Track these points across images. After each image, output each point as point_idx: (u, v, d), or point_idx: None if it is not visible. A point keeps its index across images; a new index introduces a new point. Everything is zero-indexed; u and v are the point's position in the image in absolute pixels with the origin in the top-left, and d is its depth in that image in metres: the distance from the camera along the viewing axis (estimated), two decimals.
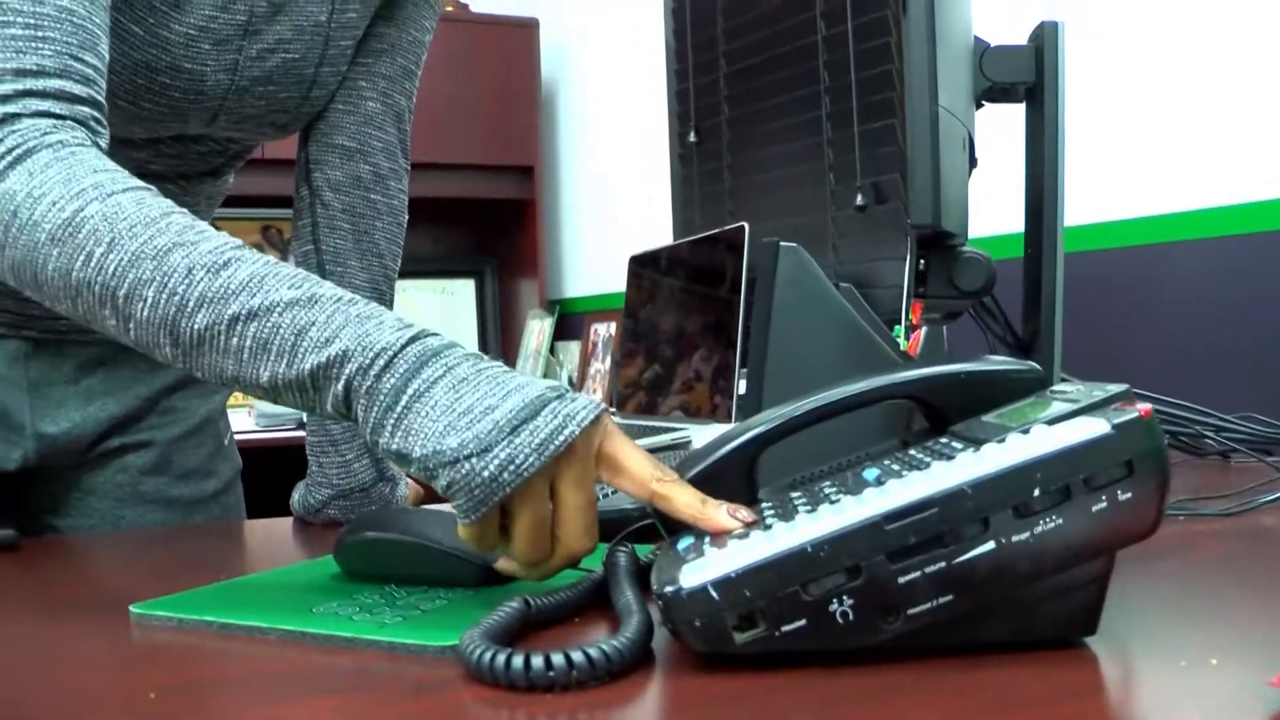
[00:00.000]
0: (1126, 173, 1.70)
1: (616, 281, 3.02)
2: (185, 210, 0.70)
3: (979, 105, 1.09)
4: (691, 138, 2.62)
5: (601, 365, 2.58)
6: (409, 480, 1.13)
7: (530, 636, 0.56)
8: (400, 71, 1.09)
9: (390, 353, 0.62)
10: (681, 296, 1.91)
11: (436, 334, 0.64)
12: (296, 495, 1.10)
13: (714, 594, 0.48)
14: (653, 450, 1.49)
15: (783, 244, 0.80)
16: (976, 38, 1.02)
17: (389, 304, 1.11)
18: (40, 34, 0.72)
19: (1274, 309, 1.50)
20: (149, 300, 0.65)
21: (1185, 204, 1.62)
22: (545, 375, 3.00)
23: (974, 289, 0.84)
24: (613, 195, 3.09)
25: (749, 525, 0.54)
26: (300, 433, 2.56)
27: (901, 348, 1.73)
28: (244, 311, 0.64)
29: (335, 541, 0.72)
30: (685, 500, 0.58)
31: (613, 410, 2.18)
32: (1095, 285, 1.72)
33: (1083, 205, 1.72)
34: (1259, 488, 0.96)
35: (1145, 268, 1.67)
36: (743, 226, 1.68)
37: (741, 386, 1.80)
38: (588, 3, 3.20)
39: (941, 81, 0.82)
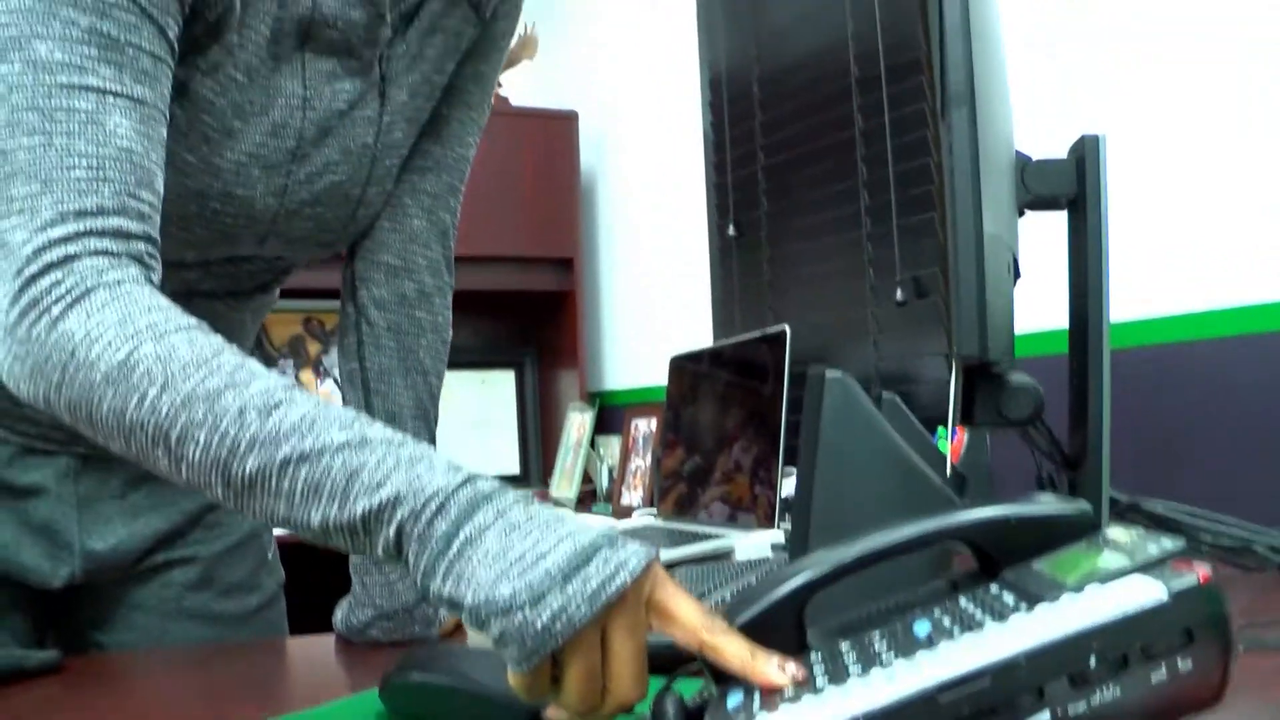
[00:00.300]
0: (1171, 267, 1.69)
1: (657, 374, 3.02)
2: (236, 347, 0.72)
3: (1021, 213, 1.09)
4: (730, 231, 2.65)
5: (642, 461, 2.57)
6: None
7: None
8: (445, 188, 1.11)
9: (441, 497, 0.62)
10: (723, 396, 1.91)
11: (487, 477, 0.65)
12: (339, 614, 1.10)
13: None
14: (694, 560, 1.48)
15: (829, 375, 0.79)
16: (1018, 152, 1.02)
17: (434, 421, 1.12)
18: (102, 175, 0.75)
19: None
20: (201, 442, 0.66)
21: (1232, 299, 1.61)
22: (585, 469, 3.00)
23: (1021, 418, 0.83)
24: (653, 286, 3.10)
25: (799, 684, 0.54)
26: None
27: (944, 450, 1.72)
28: (295, 454, 0.65)
29: (381, 680, 0.72)
30: (735, 652, 0.57)
31: (653, 510, 2.17)
32: (1142, 385, 1.70)
33: (1128, 300, 1.71)
34: None
35: (1194, 365, 1.66)
36: (784, 330, 1.68)
37: (785, 486, 1.80)
38: (626, 94, 3.25)
39: (985, 200, 0.82)
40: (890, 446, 0.81)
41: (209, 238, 0.96)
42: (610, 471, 2.91)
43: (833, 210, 2.35)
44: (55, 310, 0.71)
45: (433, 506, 0.62)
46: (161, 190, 0.80)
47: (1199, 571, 0.49)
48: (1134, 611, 0.47)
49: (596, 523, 2.25)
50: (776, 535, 1.60)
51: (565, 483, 3.01)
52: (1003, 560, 0.61)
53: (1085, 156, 0.99)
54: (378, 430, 0.66)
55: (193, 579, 1.12)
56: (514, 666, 0.60)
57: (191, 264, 1.00)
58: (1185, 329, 1.68)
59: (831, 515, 0.77)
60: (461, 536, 0.61)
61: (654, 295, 3.09)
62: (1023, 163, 0.99)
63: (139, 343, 0.69)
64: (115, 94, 0.76)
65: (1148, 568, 0.51)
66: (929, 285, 2.08)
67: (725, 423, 1.91)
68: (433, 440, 1.11)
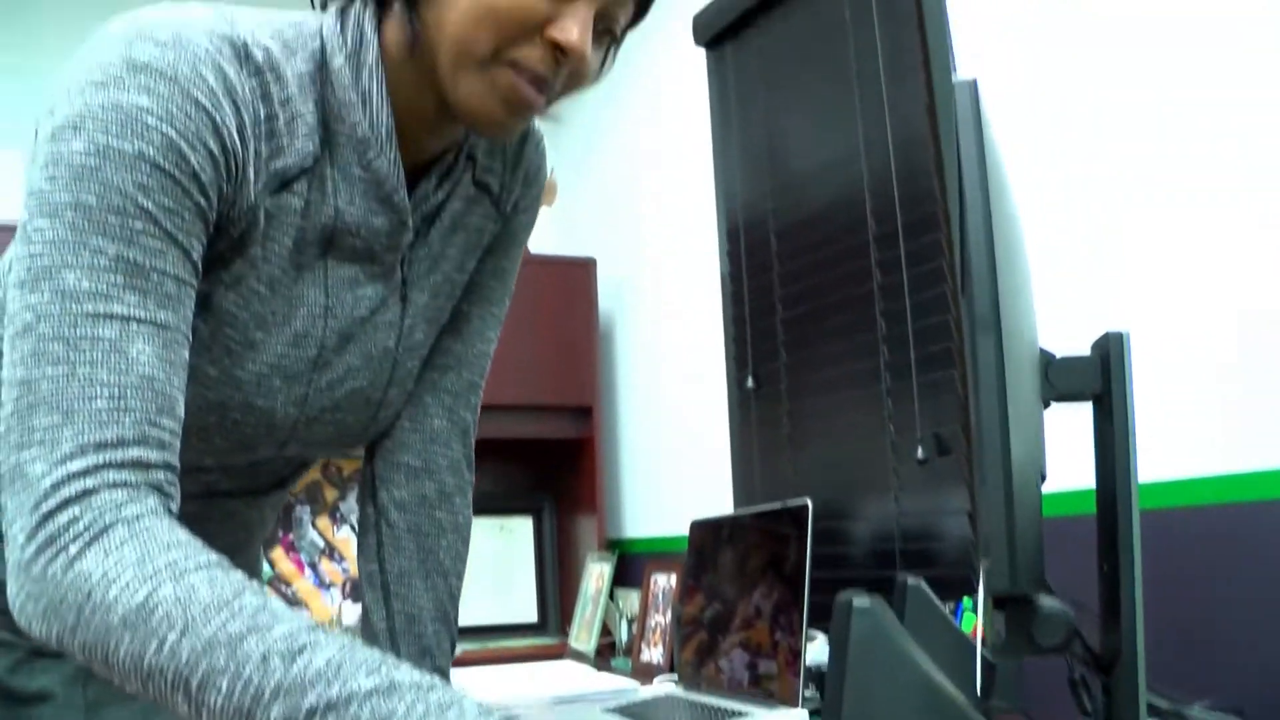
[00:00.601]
0: (1205, 427, 1.65)
1: (676, 524, 2.98)
2: (258, 586, 0.71)
3: (1046, 405, 1.06)
4: (749, 383, 2.62)
5: (661, 618, 2.51)
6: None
7: None
8: (466, 386, 1.10)
9: None
10: (744, 564, 1.86)
11: (517, 717, 0.63)
12: None
13: None
14: None
15: (856, 604, 0.77)
16: (1041, 349, 1.00)
17: (454, 623, 1.11)
18: (123, 405, 0.75)
19: None
20: (223, 690, 0.65)
21: (1258, 463, 1.56)
22: (604, 621, 2.93)
23: (1053, 645, 0.79)
24: (672, 434, 3.07)
25: None
26: None
27: (970, 622, 1.66)
28: (322, 703, 0.64)
29: None
30: None
31: (674, 676, 2.11)
32: (1173, 547, 1.64)
33: (1155, 460, 1.66)
34: None
35: (1219, 530, 1.60)
36: (806, 504, 1.64)
37: (809, 652, 1.74)
38: (645, 241, 3.26)
39: (1014, 429, 0.79)
40: (919, 676, 0.77)
41: (228, 447, 0.95)
42: (629, 624, 2.84)
43: (852, 364, 2.33)
44: (72, 549, 0.70)
45: None
46: (182, 414, 0.80)
47: None
48: None
49: (617, 683, 2.19)
50: (801, 714, 1.55)
51: (584, 634, 2.95)
52: None
53: (1110, 354, 0.97)
54: (405, 673, 0.65)
55: None
56: None
57: (210, 468, 1.00)
58: (1210, 492, 1.63)
59: None
60: None
61: (673, 443, 3.06)
62: (1046, 359, 0.98)
63: (158, 584, 0.68)
64: (139, 320, 0.77)
65: None
66: (951, 442, 2.04)
67: (745, 590, 1.86)
68: (454, 643, 1.10)
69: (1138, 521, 1.00)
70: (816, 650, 1.83)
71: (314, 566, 3.32)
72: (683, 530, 2.20)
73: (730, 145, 2.85)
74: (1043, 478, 0.95)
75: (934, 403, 2.10)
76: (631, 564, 3.07)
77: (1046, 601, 0.80)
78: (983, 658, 0.97)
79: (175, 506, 0.76)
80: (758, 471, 2.63)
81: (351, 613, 3.23)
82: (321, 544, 3.35)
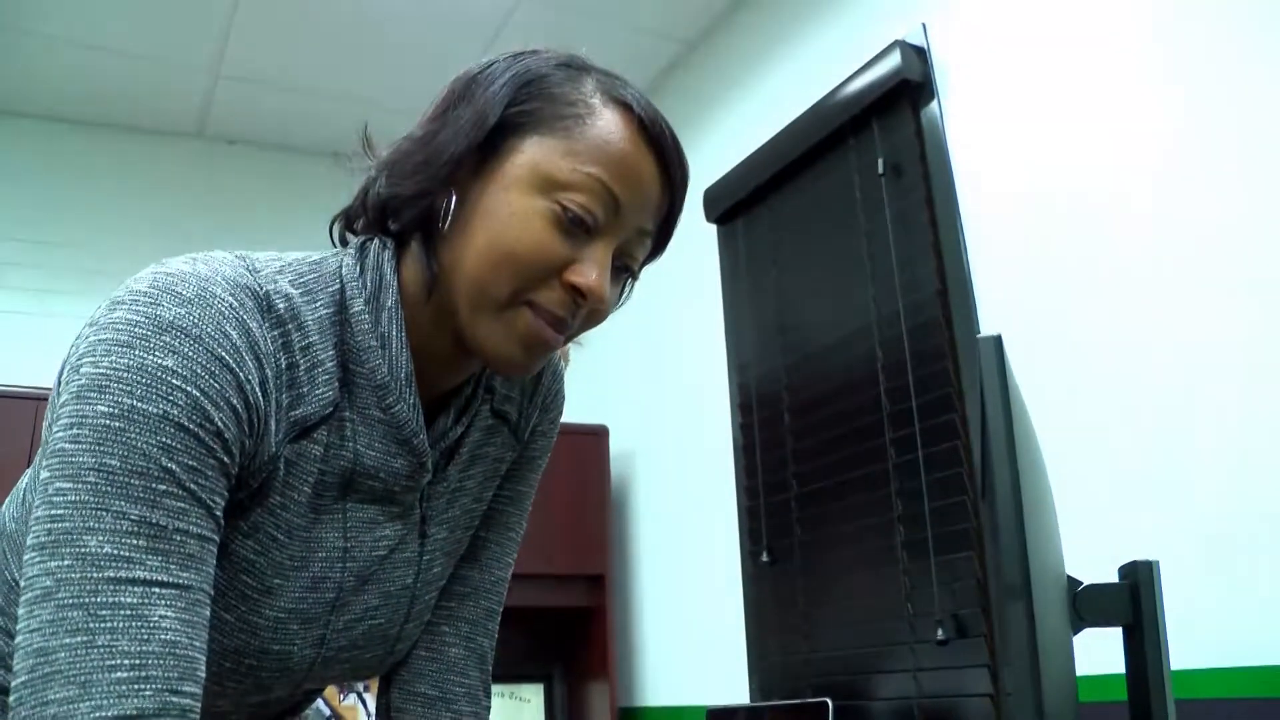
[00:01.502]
0: (1242, 618, 1.64)
1: (691, 693, 2.94)
2: None
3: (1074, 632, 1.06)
4: (764, 557, 2.61)
5: None
6: None
7: None
8: (483, 614, 1.09)
9: None
10: None
11: None
12: None
13: None
14: None
15: None
16: (1068, 576, 1.00)
17: None
18: (144, 674, 0.73)
19: None
20: None
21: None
22: None
23: None
24: (685, 604, 3.05)
25: None
26: None
27: None
28: None
29: None
30: None
31: None
32: None
33: (1186, 646, 1.65)
34: None
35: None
36: (825, 702, 1.63)
37: None
38: (657, 411, 3.29)
39: (1044, 658, 0.79)
40: None
41: (242, 689, 0.93)
42: None
43: (868, 543, 2.33)
44: None
45: None
46: (204, 675, 0.78)
47: None
48: None
49: None
50: None
51: None
52: None
53: (1139, 582, 0.97)
54: None
55: None
56: None
57: (224, 710, 0.98)
58: (1218, 685, 1.62)
59: None
60: None
61: (686, 612, 3.04)
62: (1074, 588, 0.97)
63: None
64: (161, 584, 0.75)
65: None
66: (970, 624, 2.03)
67: None
68: None
69: None
70: None
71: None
72: (695, 700, 2.16)
73: (742, 318, 2.90)
74: (1076, 709, 0.95)
75: (951, 583, 2.10)
76: None
77: None
78: None
79: None
80: (773, 649, 2.60)
81: None
82: (327, 713, 3.30)
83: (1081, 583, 1.01)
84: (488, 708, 1.09)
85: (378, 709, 1.09)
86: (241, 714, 1.01)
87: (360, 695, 3.45)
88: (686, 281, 3.13)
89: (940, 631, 2.07)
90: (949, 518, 2.10)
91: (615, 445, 3.35)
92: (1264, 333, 1.61)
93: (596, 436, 3.32)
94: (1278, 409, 1.59)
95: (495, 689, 3.36)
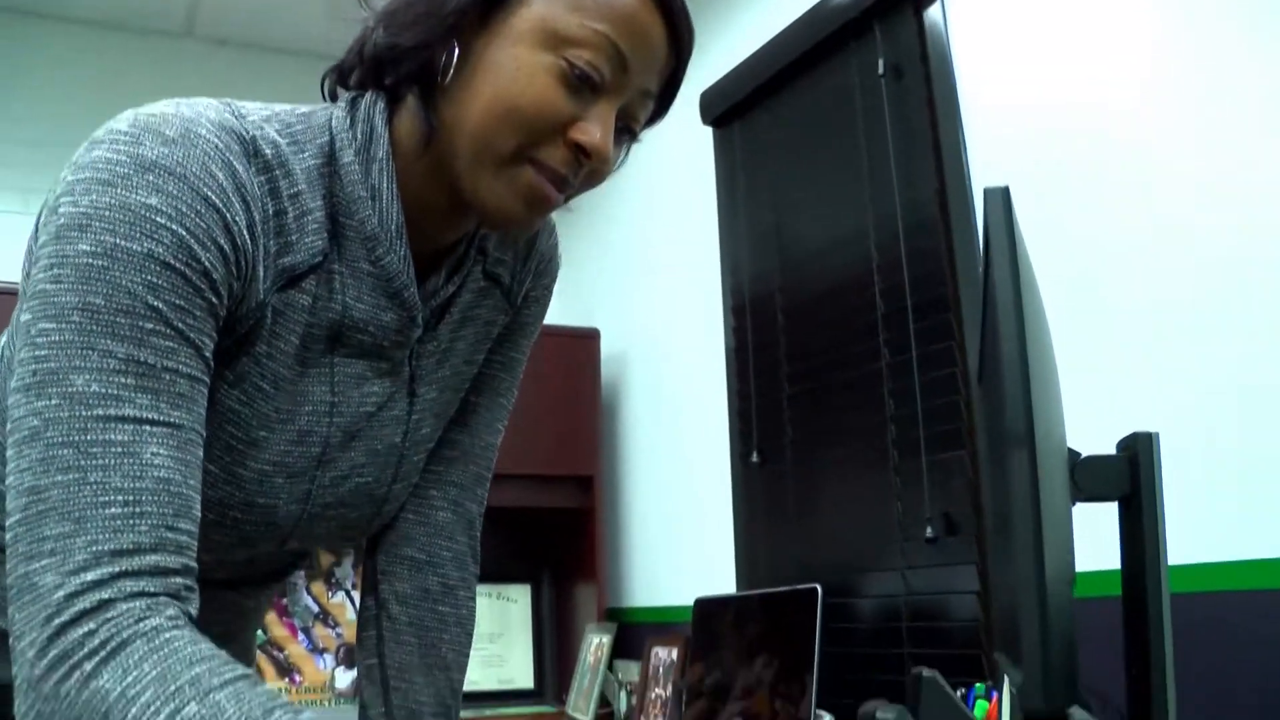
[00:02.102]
0: (1231, 510, 1.66)
1: (677, 595, 2.97)
2: (286, 702, 0.68)
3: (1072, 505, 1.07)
4: (754, 458, 2.63)
5: (662, 691, 2.50)
6: None
7: None
8: (472, 478, 1.08)
9: None
10: (750, 645, 1.86)
11: None
12: None
13: None
14: None
15: (880, 715, 0.76)
16: (1069, 449, 1.00)
17: (455, 716, 1.07)
18: (138, 510, 0.72)
19: None
20: None
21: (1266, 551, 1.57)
22: (603, 693, 2.91)
23: None
24: (674, 506, 3.07)
25: None
26: None
27: (981, 713, 1.65)
28: None
29: None
30: None
31: None
32: (1197, 632, 1.65)
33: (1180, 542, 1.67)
34: None
35: (1255, 613, 1.61)
36: (815, 588, 1.64)
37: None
38: (649, 314, 3.28)
39: (1047, 541, 0.80)
40: None
41: (228, 543, 0.92)
42: (628, 695, 2.82)
43: (859, 443, 2.34)
44: (87, 666, 0.67)
45: None
46: (199, 514, 0.77)
47: None
48: None
49: None
50: None
51: (582, 703, 2.93)
52: None
53: (1139, 454, 0.97)
54: None
55: None
56: None
57: (207, 562, 0.97)
58: (1217, 579, 1.64)
59: None
60: None
61: (676, 516, 3.06)
62: (1073, 460, 0.97)
63: (181, 702, 0.65)
64: (152, 422, 0.74)
65: None
66: (960, 522, 2.05)
67: (750, 673, 1.86)
68: None
69: (1169, 628, 1.00)
70: None
71: (307, 632, 3.29)
72: (684, 601, 2.18)
73: (737, 221, 2.88)
74: (1073, 583, 0.96)
75: (942, 482, 2.11)
76: (631, 634, 3.06)
77: (1079, 715, 0.80)
78: None
79: (195, 611, 0.74)
80: (762, 548, 2.62)
81: (344, 678, 3.20)
82: (315, 609, 3.32)
83: (1081, 454, 1.01)
84: (475, 574, 1.09)
85: (363, 574, 1.08)
86: (226, 571, 1.00)
87: (348, 593, 3.48)
88: (681, 185, 3.11)
89: (929, 529, 2.09)
90: (941, 417, 2.11)
91: (606, 348, 3.35)
92: (1263, 217, 1.61)
93: (587, 339, 3.31)
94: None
95: (481, 590, 3.38)
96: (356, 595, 3.26)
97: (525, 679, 3.44)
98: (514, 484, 3.06)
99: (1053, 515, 0.90)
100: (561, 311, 3.72)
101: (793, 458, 2.54)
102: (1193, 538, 1.63)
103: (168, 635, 0.69)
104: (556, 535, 3.42)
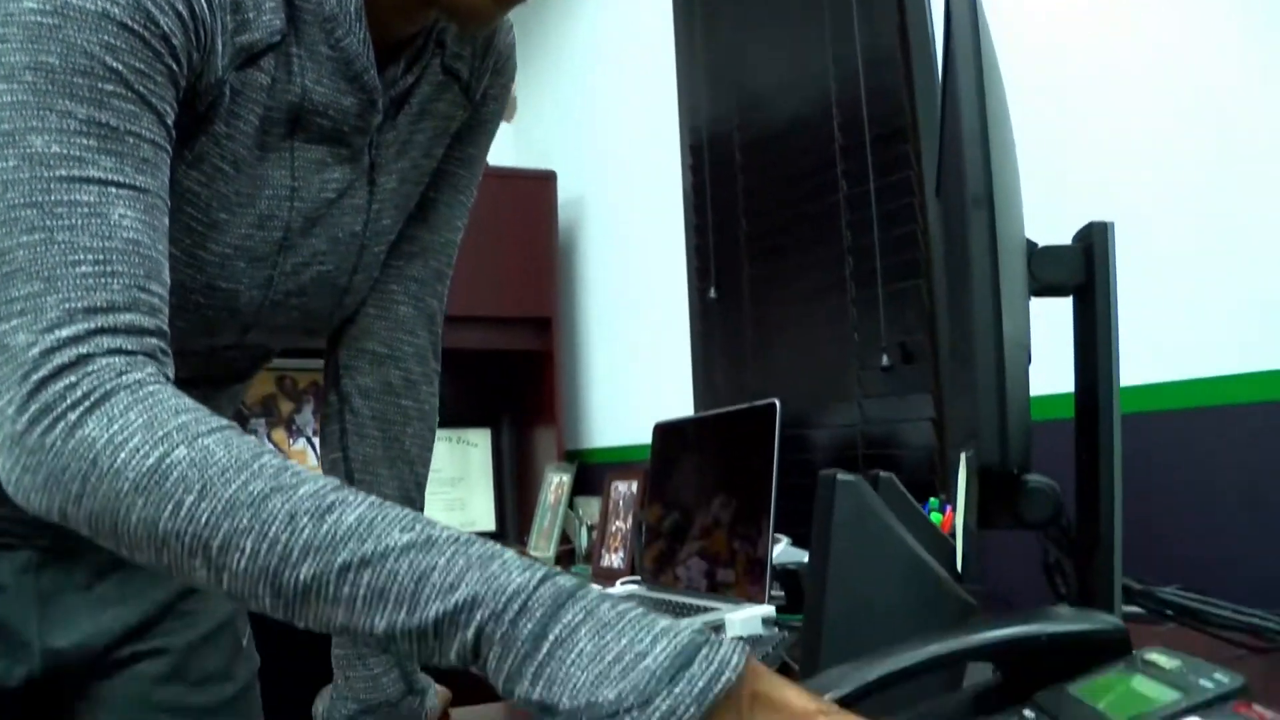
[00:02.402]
0: (1181, 332, 1.67)
1: (636, 433, 2.99)
2: (275, 450, 0.67)
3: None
4: (711, 293, 2.62)
5: (622, 524, 2.53)
6: (439, 688, 1.09)
7: None
8: (433, 274, 1.08)
9: (524, 596, 0.58)
10: (709, 468, 1.88)
11: (563, 572, 0.61)
12: (320, 706, 1.05)
13: None
14: None
15: (840, 479, 0.76)
16: (1027, 239, 0.99)
17: (420, 510, 1.07)
18: (110, 269, 0.70)
19: None
20: (247, 550, 0.61)
21: (1238, 366, 1.59)
22: (564, 529, 2.95)
23: (1039, 520, 0.80)
24: (632, 346, 3.07)
25: None
26: None
27: (936, 522, 1.68)
28: (356, 559, 0.60)
29: None
30: None
31: (636, 578, 2.13)
32: (1144, 447, 1.67)
33: (1126, 364, 1.69)
34: None
35: (1195, 430, 1.64)
36: (773, 404, 1.65)
37: (775, 552, 1.76)
38: (605, 155, 3.24)
39: (1005, 304, 0.79)
40: (904, 551, 0.78)
41: (188, 330, 0.91)
42: (589, 531, 2.86)
43: (817, 275, 2.34)
44: (72, 416, 0.65)
45: (515, 607, 0.58)
46: (169, 281, 0.75)
47: (1260, 712, 0.45)
48: None
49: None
50: (768, 610, 1.56)
51: (543, 542, 2.97)
52: (1031, 679, 0.58)
53: (1094, 244, 0.97)
54: (441, 530, 0.62)
55: (163, 671, 1.07)
56: None
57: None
58: (1163, 398, 1.66)
59: (844, 620, 0.74)
60: (551, 637, 0.57)
61: (633, 355, 3.06)
62: (1030, 249, 0.97)
63: (170, 446, 0.64)
64: (118, 184, 0.71)
65: (1206, 707, 0.47)
66: (915, 351, 2.06)
67: (710, 492, 1.88)
68: None
69: (1119, 410, 1.01)
70: (780, 553, 1.85)
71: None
72: (642, 439, 2.20)
73: (694, 60, 2.82)
74: (1029, 357, 0.96)
75: (899, 312, 2.12)
76: (590, 474, 3.09)
77: (1034, 478, 0.80)
78: (954, 541, 0.98)
79: (171, 374, 0.72)
80: (720, 383, 2.64)
81: None
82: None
83: (1036, 244, 1.00)
84: (437, 370, 1.10)
85: (325, 369, 1.08)
86: (186, 368, 0.99)
87: (309, 439, 3.49)
88: (637, 26, 3.04)
89: (885, 358, 2.10)
90: (899, 248, 2.11)
91: (563, 191, 3.31)
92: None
93: (544, 181, 3.27)
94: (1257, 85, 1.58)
95: (441, 434, 3.38)
96: (317, 441, 3.26)
97: (487, 521, 3.48)
98: (472, 327, 3.04)
99: (1011, 296, 0.89)
100: (518, 154, 3.67)
101: (750, 293, 2.54)
102: (1148, 359, 1.65)
103: (151, 388, 0.67)
104: (515, 378, 3.43)
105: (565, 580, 0.60)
